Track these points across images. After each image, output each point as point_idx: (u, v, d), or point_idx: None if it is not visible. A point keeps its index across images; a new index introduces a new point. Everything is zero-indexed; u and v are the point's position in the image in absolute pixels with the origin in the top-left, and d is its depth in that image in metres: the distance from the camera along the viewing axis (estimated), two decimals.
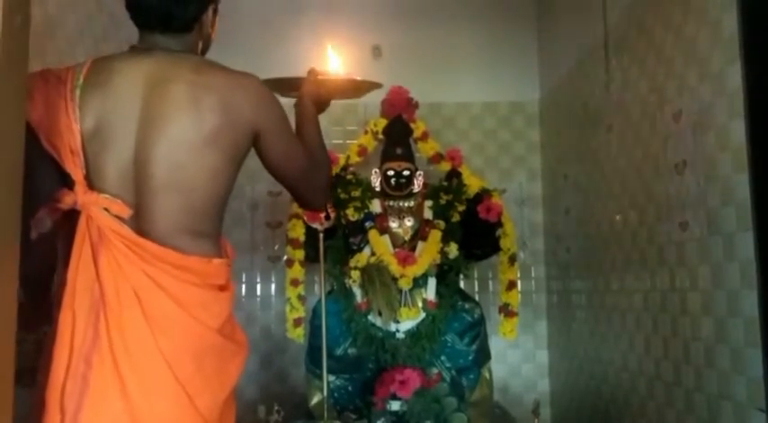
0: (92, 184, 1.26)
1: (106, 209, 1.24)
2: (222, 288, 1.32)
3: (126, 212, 1.25)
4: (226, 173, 1.32)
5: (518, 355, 3.61)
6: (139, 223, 1.26)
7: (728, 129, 1.89)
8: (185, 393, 1.22)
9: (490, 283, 3.57)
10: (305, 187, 1.46)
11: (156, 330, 1.21)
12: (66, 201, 1.25)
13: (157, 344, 1.21)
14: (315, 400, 2.78)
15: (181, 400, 1.22)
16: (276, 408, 2.46)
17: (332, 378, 2.70)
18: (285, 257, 3.04)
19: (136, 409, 1.18)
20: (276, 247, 3.56)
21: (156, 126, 1.27)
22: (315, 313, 2.80)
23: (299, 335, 3.01)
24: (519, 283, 3.11)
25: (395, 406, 2.54)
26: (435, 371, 2.70)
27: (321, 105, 1.63)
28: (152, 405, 1.20)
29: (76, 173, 1.26)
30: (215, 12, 1.46)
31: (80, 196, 1.25)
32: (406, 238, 2.91)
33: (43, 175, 1.24)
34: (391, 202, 2.95)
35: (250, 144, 1.35)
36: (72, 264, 1.23)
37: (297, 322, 3.01)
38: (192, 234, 1.28)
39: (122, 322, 1.20)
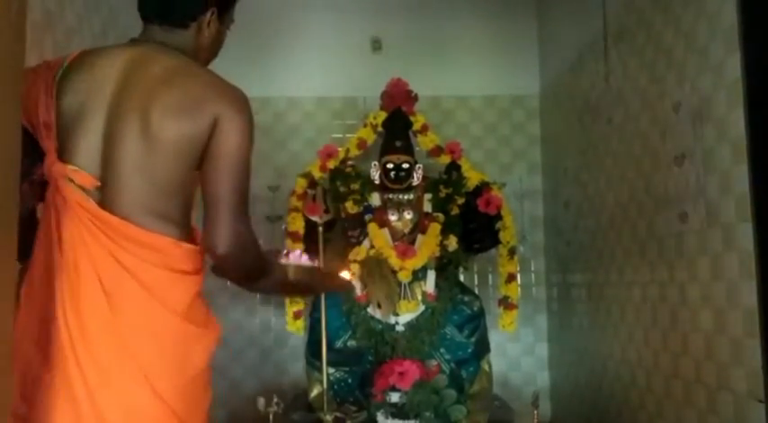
0: (62, 158, 1.28)
1: (72, 180, 1.25)
2: (187, 272, 1.31)
3: (90, 183, 1.26)
4: (189, 156, 1.29)
5: (518, 348, 3.61)
6: (104, 199, 1.27)
7: (728, 119, 1.89)
8: (142, 373, 1.22)
9: (490, 276, 3.57)
10: (226, 204, 1.29)
11: (115, 307, 1.22)
12: (38, 173, 1.28)
13: (115, 320, 1.21)
14: (315, 392, 2.78)
15: (137, 379, 1.22)
16: (275, 400, 2.46)
17: (332, 370, 2.70)
18: (285, 251, 3.03)
19: (90, 382, 1.19)
20: (276, 241, 3.56)
21: (125, 103, 1.28)
22: (314, 306, 2.80)
23: (298, 328, 3.02)
24: (519, 276, 3.11)
25: (394, 398, 2.55)
26: (434, 363, 2.71)
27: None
28: (106, 381, 1.20)
29: (48, 145, 1.27)
30: (221, 21, 1.46)
31: (47, 166, 1.26)
32: (406, 231, 2.91)
33: (24, 152, 1.26)
34: (390, 196, 2.95)
35: (210, 129, 1.29)
36: (39, 234, 1.26)
37: (296, 315, 3.01)
38: (156, 215, 1.28)
39: (79, 295, 1.21)
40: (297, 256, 1.60)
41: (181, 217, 1.33)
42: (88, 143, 1.28)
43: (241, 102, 1.33)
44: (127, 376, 1.21)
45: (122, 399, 1.21)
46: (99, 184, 1.26)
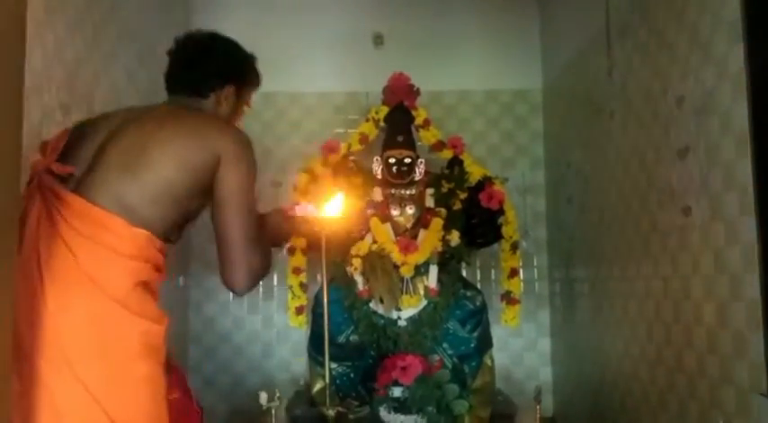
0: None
1: (52, 172, 1.33)
2: (132, 257, 1.31)
3: (65, 171, 1.33)
4: (186, 175, 1.38)
5: (520, 344, 3.62)
6: (79, 187, 1.33)
7: (731, 113, 1.88)
8: (65, 357, 1.22)
9: (492, 271, 3.57)
10: (238, 244, 1.40)
11: (45, 285, 1.23)
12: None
13: (44, 294, 1.23)
14: (317, 387, 2.78)
15: (59, 364, 1.22)
16: (278, 395, 2.46)
17: (334, 365, 2.70)
18: (287, 246, 3.04)
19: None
20: None
21: (130, 124, 1.41)
22: (317, 301, 2.80)
23: (300, 323, 3.02)
24: (521, 271, 3.11)
25: (396, 392, 2.55)
26: (437, 358, 2.70)
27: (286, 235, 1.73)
28: (29, 364, 1.21)
29: (49, 158, 1.35)
30: (238, 98, 1.62)
31: (34, 165, 1.34)
32: (408, 225, 2.90)
33: None
34: (393, 190, 2.95)
35: (212, 165, 1.39)
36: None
37: (299, 310, 3.01)
38: (127, 208, 1.32)
39: (18, 271, 1.21)
40: (304, 210, 1.68)
41: (158, 220, 1.37)
42: (86, 151, 1.39)
43: (244, 143, 1.44)
44: (49, 359, 1.22)
45: (46, 391, 1.21)
46: (74, 171, 1.34)
